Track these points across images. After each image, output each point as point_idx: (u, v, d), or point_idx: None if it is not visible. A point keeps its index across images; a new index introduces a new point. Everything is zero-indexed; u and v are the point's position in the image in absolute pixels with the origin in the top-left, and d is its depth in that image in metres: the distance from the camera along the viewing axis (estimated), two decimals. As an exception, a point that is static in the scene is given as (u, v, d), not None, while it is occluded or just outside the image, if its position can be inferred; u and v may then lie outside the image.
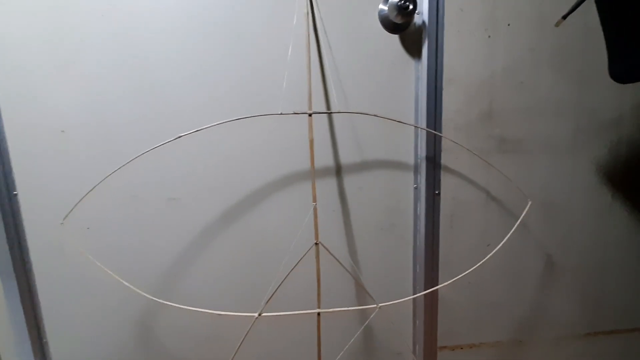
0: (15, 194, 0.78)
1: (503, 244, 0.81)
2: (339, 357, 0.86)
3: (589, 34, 0.84)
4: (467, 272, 0.80)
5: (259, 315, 0.71)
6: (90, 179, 0.75)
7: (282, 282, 0.70)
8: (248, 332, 0.70)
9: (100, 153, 0.78)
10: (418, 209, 0.89)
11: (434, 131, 0.84)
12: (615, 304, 1.01)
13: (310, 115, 0.72)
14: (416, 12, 0.77)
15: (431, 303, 0.92)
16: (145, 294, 0.70)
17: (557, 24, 0.67)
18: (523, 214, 0.83)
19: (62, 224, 0.74)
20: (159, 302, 0.73)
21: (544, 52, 0.85)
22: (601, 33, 0.67)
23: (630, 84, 0.80)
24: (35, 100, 0.75)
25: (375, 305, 0.74)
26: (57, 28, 0.73)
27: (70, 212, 0.69)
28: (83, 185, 0.74)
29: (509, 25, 0.83)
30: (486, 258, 0.80)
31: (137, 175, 0.79)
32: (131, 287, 0.69)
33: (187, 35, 0.76)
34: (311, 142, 0.72)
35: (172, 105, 0.78)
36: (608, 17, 0.60)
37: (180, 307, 0.70)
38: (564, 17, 0.65)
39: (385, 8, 0.79)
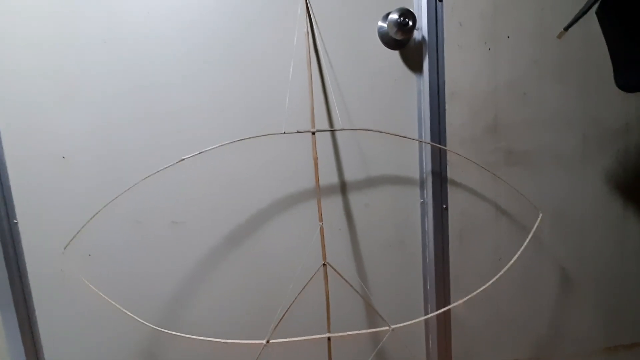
0: (16, 222, 0.76)
1: (517, 259, 0.78)
2: (350, 382, 0.82)
3: (591, 43, 0.84)
4: (481, 289, 0.77)
5: (267, 342, 0.68)
6: (92, 205, 0.73)
7: (289, 306, 0.68)
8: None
9: (102, 178, 0.77)
10: (426, 224, 0.87)
11: (438, 145, 0.83)
12: (635, 315, 0.97)
13: (313, 133, 0.71)
14: (415, 28, 0.78)
15: (444, 322, 0.89)
16: (148, 324, 0.68)
17: (559, 36, 0.67)
18: (535, 226, 0.81)
19: (63, 253, 0.72)
20: (165, 332, 0.70)
21: (546, 63, 0.85)
22: (603, 41, 0.67)
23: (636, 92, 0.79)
24: (35, 125, 0.74)
25: (387, 328, 0.71)
26: (58, 54, 0.73)
27: (71, 240, 0.68)
28: (85, 212, 0.73)
29: (508, 37, 0.83)
30: (500, 274, 0.78)
31: (139, 200, 0.78)
32: (134, 317, 0.67)
33: (188, 58, 0.76)
34: (315, 160, 0.71)
35: (174, 129, 0.77)
36: (611, 27, 0.60)
37: (185, 337, 0.68)
38: (566, 29, 0.65)
39: (385, 25, 0.79)
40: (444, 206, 0.86)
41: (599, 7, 0.62)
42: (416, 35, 0.81)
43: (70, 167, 0.76)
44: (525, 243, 0.80)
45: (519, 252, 0.79)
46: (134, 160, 0.77)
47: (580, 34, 0.83)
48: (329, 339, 0.71)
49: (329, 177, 0.82)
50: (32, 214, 0.76)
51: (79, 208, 0.76)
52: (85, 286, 0.73)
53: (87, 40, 0.73)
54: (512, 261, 0.78)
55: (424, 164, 0.85)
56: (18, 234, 0.77)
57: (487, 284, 0.77)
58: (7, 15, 0.71)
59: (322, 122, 0.80)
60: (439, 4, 0.80)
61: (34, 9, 0.72)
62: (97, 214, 0.67)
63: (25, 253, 0.77)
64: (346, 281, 0.71)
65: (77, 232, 0.68)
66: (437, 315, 0.87)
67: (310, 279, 0.69)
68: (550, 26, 0.83)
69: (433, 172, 0.84)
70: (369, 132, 0.80)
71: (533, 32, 0.83)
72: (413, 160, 0.85)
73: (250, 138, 0.73)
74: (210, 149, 0.70)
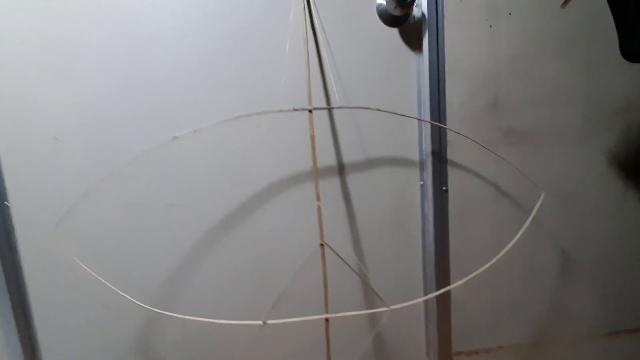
0: (8, 205, 0.75)
1: (517, 240, 0.77)
2: (349, 366, 0.81)
3: (593, 20, 0.83)
4: (480, 270, 0.76)
5: (264, 323, 0.67)
6: (84, 186, 0.72)
7: (286, 287, 0.67)
8: (253, 341, 0.66)
9: (95, 159, 0.75)
10: (425, 206, 0.86)
11: (438, 123, 0.81)
12: (637, 300, 0.96)
13: (310, 111, 0.70)
14: (415, 3, 0.76)
15: (444, 305, 0.88)
16: (143, 305, 0.66)
17: (563, 5, 0.65)
18: (536, 207, 0.79)
19: (53, 231, 0.71)
20: (159, 312, 0.69)
21: (547, 40, 0.83)
22: (606, 17, 0.65)
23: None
24: (27, 106, 0.73)
25: (386, 309, 0.70)
26: (50, 31, 0.71)
27: (61, 219, 0.66)
28: (77, 194, 0.71)
29: (510, 14, 0.81)
30: (500, 254, 0.76)
31: (132, 181, 0.76)
32: (128, 297, 0.65)
33: (183, 35, 0.74)
34: (312, 139, 0.70)
35: (168, 107, 0.76)
36: (616, -5, 0.58)
37: (181, 317, 0.66)
38: (570, -2, 0.63)
39: (383, 1, 0.77)
40: (444, 188, 0.84)
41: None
42: (415, 11, 0.80)
43: (62, 148, 0.75)
44: (526, 224, 0.79)
45: (519, 234, 0.78)
46: (127, 141, 0.75)
47: (583, 10, 0.81)
48: (326, 320, 0.70)
49: (326, 157, 0.81)
50: (24, 196, 0.75)
51: (71, 189, 0.75)
52: (78, 269, 0.72)
53: (79, 19, 0.71)
54: (512, 242, 0.77)
55: (424, 144, 0.84)
56: (10, 216, 0.75)
57: (486, 266, 0.76)
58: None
59: (319, 101, 0.79)
60: (438, -22, 0.78)
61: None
62: (87, 192, 0.66)
63: (17, 236, 0.76)
64: (344, 261, 0.70)
65: (67, 212, 0.67)
66: (437, 297, 0.86)
67: (308, 259, 0.68)
68: (552, 2, 0.81)
69: (433, 153, 0.83)
70: (367, 111, 0.79)
71: (535, 9, 0.81)
72: (412, 141, 0.84)
73: (245, 116, 0.71)
74: (204, 127, 0.68)
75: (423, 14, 0.79)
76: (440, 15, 0.79)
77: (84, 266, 0.65)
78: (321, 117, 0.79)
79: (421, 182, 0.85)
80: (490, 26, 0.81)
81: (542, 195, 0.80)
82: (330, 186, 0.82)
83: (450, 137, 0.83)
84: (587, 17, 0.83)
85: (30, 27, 0.71)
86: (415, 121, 0.83)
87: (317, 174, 0.70)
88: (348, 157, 0.82)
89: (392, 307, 0.70)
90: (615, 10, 0.59)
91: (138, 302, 0.66)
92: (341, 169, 0.82)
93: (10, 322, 0.77)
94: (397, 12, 0.76)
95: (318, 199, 0.69)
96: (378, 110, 0.76)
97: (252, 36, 0.76)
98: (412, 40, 0.81)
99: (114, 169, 0.68)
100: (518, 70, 0.83)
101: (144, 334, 0.81)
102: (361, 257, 0.85)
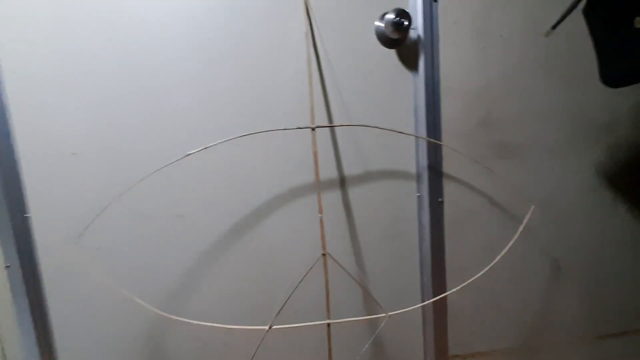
0: (28, 216, 0.79)
1: (509, 249, 0.81)
2: (350, 368, 0.85)
3: (581, 39, 0.85)
4: (474, 277, 0.80)
5: (270, 328, 0.71)
6: (101, 199, 0.76)
7: (291, 294, 0.71)
8: (259, 345, 0.70)
9: (111, 174, 0.79)
10: (422, 217, 0.90)
11: (434, 140, 0.86)
12: (624, 304, 1.00)
13: (313, 129, 0.74)
14: (411, 27, 0.80)
15: (440, 310, 0.92)
16: (158, 311, 0.71)
17: (546, 35, 0.69)
18: (526, 219, 0.84)
19: (76, 243, 0.75)
20: (171, 318, 0.73)
21: (537, 60, 0.87)
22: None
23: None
24: (46, 124, 0.77)
25: (384, 315, 0.74)
26: (66, 54, 0.75)
27: (83, 232, 0.71)
28: (94, 206, 0.75)
29: (501, 36, 0.86)
30: (493, 263, 0.81)
31: (145, 194, 0.80)
32: (144, 304, 0.70)
33: (193, 55, 0.78)
34: (315, 155, 0.74)
35: (179, 125, 0.80)
36: (596, 26, 0.63)
37: (191, 323, 0.71)
38: (553, 28, 0.68)
39: (382, 25, 0.82)
40: (440, 199, 0.89)
41: (585, 6, 0.65)
42: (412, 34, 0.84)
43: (80, 163, 0.79)
44: (516, 235, 0.83)
45: (510, 243, 0.82)
46: (141, 156, 0.79)
47: (571, 29, 0.85)
48: (328, 325, 0.74)
49: (328, 171, 0.85)
50: (44, 208, 0.79)
51: (88, 202, 0.78)
52: (95, 277, 0.77)
53: (93, 40, 0.75)
54: (503, 252, 0.81)
55: (420, 158, 0.88)
56: (30, 227, 0.79)
57: (480, 273, 0.80)
58: (17, 19, 0.73)
59: (321, 119, 0.83)
60: (433, 4, 0.83)
61: (42, 13, 0.74)
62: (107, 207, 0.70)
63: (37, 246, 0.80)
64: (345, 270, 0.75)
65: (89, 224, 0.71)
66: (434, 304, 0.90)
67: (311, 268, 0.72)
68: (541, 23, 0.84)
69: (429, 167, 0.87)
70: (367, 127, 0.83)
71: (524, 29, 0.86)
72: (409, 155, 0.88)
73: (252, 134, 0.76)
74: (215, 144, 0.73)
75: (419, 36, 0.84)
76: (435, 37, 0.84)
77: (106, 278, 0.70)
78: (323, 133, 0.84)
79: (418, 194, 0.90)
80: (483, 47, 0.86)
81: (532, 207, 0.85)
82: (332, 198, 0.86)
83: (445, 151, 0.87)
84: (574, 37, 0.87)
85: (52, 53, 0.75)
86: (412, 136, 0.88)
87: (319, 187, 0.74)
88: (348, 171, 0.86)
89: (390, 313, 0.74)
90: (594, 41, 0.63)
91: (154, 309, 0.70)
92: (342, 182, 0.86)
93: (29, 328, 0.81)
94: (395, 36, 0.81)
95: (320, 211, 0.74)
96: (377, 127, 0.80)
97: (257, 58, 0.80)
98: (409, 60, 0.85)
99: (129, 183, 0.72)
100: (509, 88, 0.88)
101: (157, 338, 0.85)
102: (361, 266, 0.89)
